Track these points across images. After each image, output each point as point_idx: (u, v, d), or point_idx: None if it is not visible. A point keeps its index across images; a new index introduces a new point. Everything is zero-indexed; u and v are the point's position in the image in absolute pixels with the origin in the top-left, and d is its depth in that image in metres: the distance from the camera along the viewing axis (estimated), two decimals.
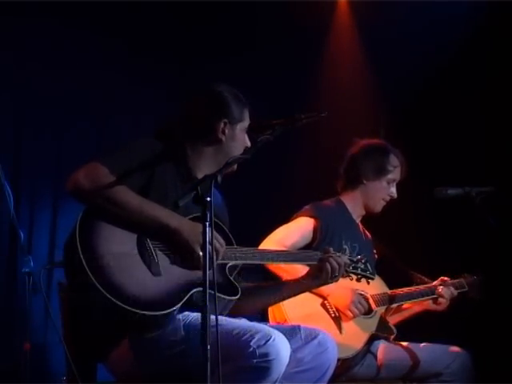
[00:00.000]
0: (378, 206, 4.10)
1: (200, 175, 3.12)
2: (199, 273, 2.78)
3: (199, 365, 2.52)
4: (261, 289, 3.22)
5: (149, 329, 2.83)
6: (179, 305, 2.83)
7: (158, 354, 2.85)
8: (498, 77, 5.19)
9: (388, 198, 4.10)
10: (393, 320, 4.06)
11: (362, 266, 3.31)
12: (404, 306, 4.10)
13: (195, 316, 2.85)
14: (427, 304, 4.08)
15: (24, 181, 4.96)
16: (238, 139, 3.13)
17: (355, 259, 3.30)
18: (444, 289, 4.04)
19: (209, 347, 2.49)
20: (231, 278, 2.99)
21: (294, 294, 3.26)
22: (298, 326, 3.03)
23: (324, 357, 2.98)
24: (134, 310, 2.75)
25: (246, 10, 5.44)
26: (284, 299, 3.34)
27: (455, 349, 3.96)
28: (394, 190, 4.09)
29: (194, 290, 2.86)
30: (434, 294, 4.04)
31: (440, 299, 4.01)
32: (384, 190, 4.07)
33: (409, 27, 5.33)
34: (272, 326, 3.02)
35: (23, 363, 3.25)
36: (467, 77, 5.26)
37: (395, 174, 4.08)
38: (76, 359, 2.94)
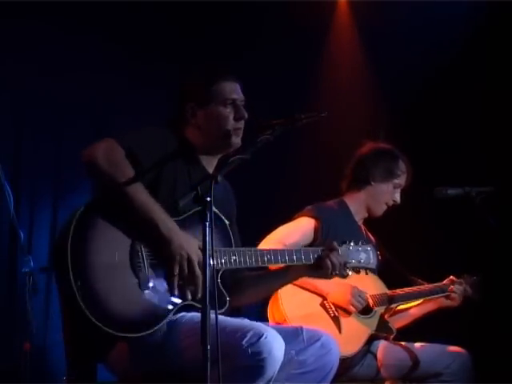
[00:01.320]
0: (381, 209, 4.10)
1: (204, 161, 3.10)
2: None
3: (178, 359, 2.55)
4: (263, 277, 3.18)
5: (132, 342, 2.80)
6: (163, 323, 2.80)
7: (150, 355, 2.83)
8: (498, 77, 5.20)
9: (391, 203, 4.09)
10: (406, 320, 4.09)
11: (365, 256, 3.22)
12: (417, 305, 4.11)
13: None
14: (440, 301, 4.09)
15: (24, 181, 4.95)
16: (214, 117, 3.06)
17: (359, 248, 3.22)
18: (456, 285, 4.06)
19: (209, 347, 2.48)
20: (221, 288, 2.92)
21: (293, 280, 3.26)
22: (301, 328, 3.01)
23: (327, 358, 2.97)
24: (113, 332, 2.71)
25: (245, 11, 5.44)
26: (286, 284, 3.30)
27: (455, 349, 3.96)
28: (398, 196, 4.09)
29: (184, 302, 2.83)
30: (438, 293, 4.06)
31: (452, 295, 4.03)
32: (389, 194, 4.07)
33: (409, 27, 5.33)
34: (273, 327, 3.01)
35: (23, 363, 3.25)
36: (467, 77, 5.26)
37: (402, 179, 4.08)
38: (76, 359, 2.93)
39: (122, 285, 2.79)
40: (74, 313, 2.76)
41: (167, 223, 2.84)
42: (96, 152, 2.85)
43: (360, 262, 3.24)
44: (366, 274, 3.39)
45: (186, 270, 2.80)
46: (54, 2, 4.85)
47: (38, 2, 4.81)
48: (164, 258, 2.84)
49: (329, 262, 3.05)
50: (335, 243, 3.11)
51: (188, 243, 2.83)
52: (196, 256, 2.80)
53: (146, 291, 2.81)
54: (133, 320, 2.77)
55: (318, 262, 3.08)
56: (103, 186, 2.87)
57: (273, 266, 3.22)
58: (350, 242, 3.21)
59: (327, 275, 3.09)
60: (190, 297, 2.84)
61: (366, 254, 3.26)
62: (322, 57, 5.83)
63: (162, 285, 2.84)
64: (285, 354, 2.84)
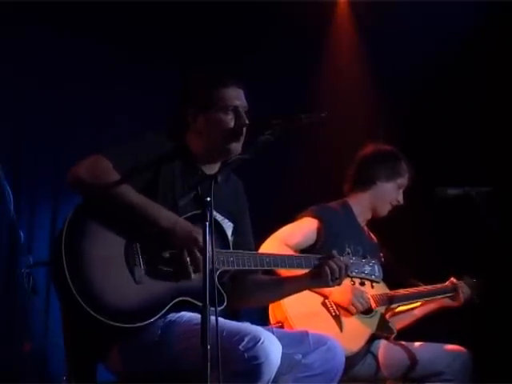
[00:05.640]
0: (386, 209, 4.11)
1: (204, 166, 3.09)
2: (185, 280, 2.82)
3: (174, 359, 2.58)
4: (265, 284, 3.18)
5: (128, 335, 2.81)
6: (158, 315, 2.82)
7: (148, 354, 2.84)
8: (498, 77, 5.20)
9: (395, 203, 4.10)
10: (408, 320, 4.10)
11: (369, 269, 3.28)
12: (419, 306, 4.12)
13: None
14: (443, 301, 4.11)
15: (24, 181, 4.95)
16: (215, 123, 3.04)
17: (363, 261, 3.27)
18: (461, 286, 4.10)
19: (209, 347, 2.48)
20: (219, 287, 2.90)
21: (295, 292, 3.23)
22: (307, 333, 3.03)
23: (333, 363, 3.00)
24: (108, 321, 2.73)
25: (246, 11, 5.44)
26: (285, 296, 3.32)
27: (456, 348, 3.96)
28: (401, 196, 4.11)
29: (179, 298, 2.85)
30: (440, 295, 4.07)
31: (459, 295, 4.07)
32: (394, 194, 4.09)
33: (409, 27, 5.33)
34: (279, 331, 3.02)
35: (23, 363, 3.25)
36: (467, 77, 5.26)
37: (405, 179, 4.11)
38: (76, 359, 2.94)
39: (118, 279, 2.80)
40: (71, 307, 2.79)
41: (166, 216, 2.87)
42: (79, 168, 2.87)
43: (363, 273, 3.25)
44: (372, 287, 3.40)
45: (198, 254, 2.80)
46: (53, 4, 4.85)
47: (36, 6, 4.82)
48: (170, 248, 2.85)
49: (327, 268, 3.04)
50: (334, 252, 3.11)
51: (191, 228, 2.85)
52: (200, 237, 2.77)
53: (142, 285, 2.83)
54: (129, 311, 2.78)
55: (317, 270, 3.07)
56: (92, 198, 2.88)
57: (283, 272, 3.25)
58: (353, 254, 3.23)
59: (327, 282, 3.08)
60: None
61: (371, 267, 3.28)
62: (322, 57, 5.83)
63: (159, 278, 2.86)
64: (291, 358, 2.89)
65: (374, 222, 4.23)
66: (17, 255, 4.71)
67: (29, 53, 4.93)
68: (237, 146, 3.05)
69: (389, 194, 4.09)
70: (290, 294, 3.27)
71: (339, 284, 3.14)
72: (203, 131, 3.07)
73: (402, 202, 4.11)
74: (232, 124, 3.04)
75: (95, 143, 5.18)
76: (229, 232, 3.12)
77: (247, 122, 3.05)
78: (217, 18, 5.44)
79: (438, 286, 4.12)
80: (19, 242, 3.23)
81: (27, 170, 4.97)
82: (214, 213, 2.98)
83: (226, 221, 3.14)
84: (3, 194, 3.17)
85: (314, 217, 3.99)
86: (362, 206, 4.12)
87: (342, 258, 3.10)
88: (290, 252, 3.75)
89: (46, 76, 4.95)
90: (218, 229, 3.01)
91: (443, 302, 4.12)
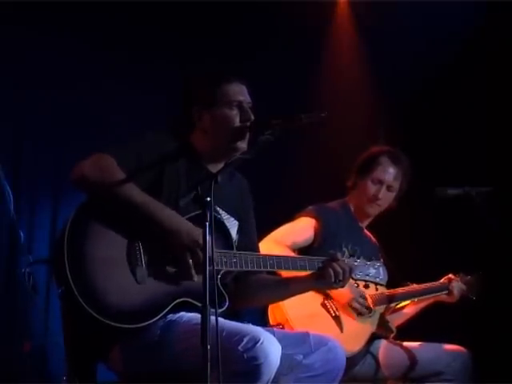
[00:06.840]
0: (367, 207, 4.07)
1: (210, 166, 3.09)
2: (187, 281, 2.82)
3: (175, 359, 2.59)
4: (267, 285, 3.18)
5: (129, 335, 2.81)
6: (159, 316, 2.82)
7: (147, 353, 2.84)
8: (499, 76, 5.20)
9: (373, 198, 4.05)
10: (403, 318, 4.11)
11: (373, 272, 3.27)
12: (413, 303, 4.13)
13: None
14: (437, 296, 4.11)
15: (24, 181, 4.95)
16: (220, 119, 3.04)
17: (368, 263, 3.25)
18: (454, 282, 4.09)
19: (209, 347, 2.48)
20: (221, 288, 2.91)
21: (299, 293, 3.23)
22: (307, 333, 3.03)
23: (334, 363, 3.01)
24: (110, 322, 2.73)
25: (246, 11, 5.44)
26: (289, 297, 3.30)
27: (456, 347, 3.97)
28: (377, 190, 4.03)
29: (180, 299, 2.85)
30: (437, 292, 4.08)
31: (453, 291, 4.06)
32: (368, 189, 4.05)
33: (409, 27, 5.33)
34: (281, 332, 3.03)
35: (23, 363, 3.26)
36: (467, 77, 5.27)
37: (379, 173, 4.04)
38: (76, 359, 2.94)
39: (120, 279, 2.80)
40: (72, 308, 2.78)
41: (170, 216, 2.87)
42: (83, 166, 2.87)
43: (368, 275, 3.24)
44: (376, 289, 3.40)
45: (200, 255, 2.79)
46: (53, 4, 4.85)
47: (36, 6, 4.82)
48: (173, 249, 2.85)
49: (331, 271, 3.04)
50: (339, 254, 3.10)
51: (194, 230, 2.84)
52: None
53: (144, 285, 2.83)
54: (130, 312, 2.78)
55: (321, 271, 3.07)
56: (96, 195, 2.88)
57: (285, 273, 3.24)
58: (357, 256, 3.22)
59: (331, 284, 3.08)
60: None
61: (375, 270, 3.26)
62: (322, 57, 5.83)
63: (161, 277, 2.86)
64: (292, 358, 2.90)
65: (374, 222, 4.23)
66: (17, 255, 4.71)
67: (29, 53, 4.93)
68: (243, 144, 3.05)
69: (363, 190, 4.06)
70: (293, 295, 3.26)
71: (343, 286, 3.14)
72: (209, 129, 3.07)
73: (378, 195, 4.03)
74: (237, 120, 3.04)
75: (95, 143, 5.16)
76: (234, 230, 3.12)
77: (252, 117, 3.05)
78: (217, 18, 5.44)
79: (436, 283, 4.12)
80: (19, 242, 3.23)
81: (27, 170, 4.97)
82: (220, 211, 3.01)
83: (232, 219, 3.14)
84: (3, 194, 3.17)
85: (312, 216, 3.98)
86: (354, 205, 4.13)
87: (346, 261, 3.10)
88: (288, 251, 3.74)
89: (46, 76, 4.94)
90: (222, 229, 3.01)
91: (437, 296, 4.13)
